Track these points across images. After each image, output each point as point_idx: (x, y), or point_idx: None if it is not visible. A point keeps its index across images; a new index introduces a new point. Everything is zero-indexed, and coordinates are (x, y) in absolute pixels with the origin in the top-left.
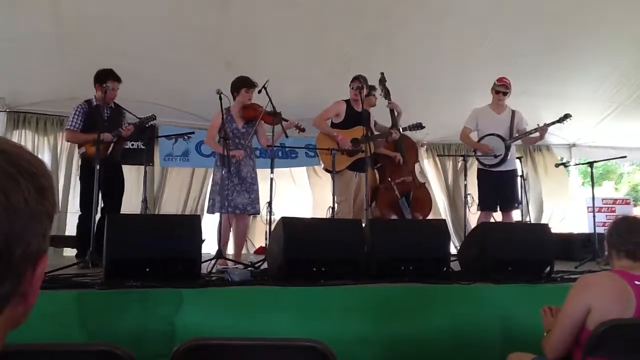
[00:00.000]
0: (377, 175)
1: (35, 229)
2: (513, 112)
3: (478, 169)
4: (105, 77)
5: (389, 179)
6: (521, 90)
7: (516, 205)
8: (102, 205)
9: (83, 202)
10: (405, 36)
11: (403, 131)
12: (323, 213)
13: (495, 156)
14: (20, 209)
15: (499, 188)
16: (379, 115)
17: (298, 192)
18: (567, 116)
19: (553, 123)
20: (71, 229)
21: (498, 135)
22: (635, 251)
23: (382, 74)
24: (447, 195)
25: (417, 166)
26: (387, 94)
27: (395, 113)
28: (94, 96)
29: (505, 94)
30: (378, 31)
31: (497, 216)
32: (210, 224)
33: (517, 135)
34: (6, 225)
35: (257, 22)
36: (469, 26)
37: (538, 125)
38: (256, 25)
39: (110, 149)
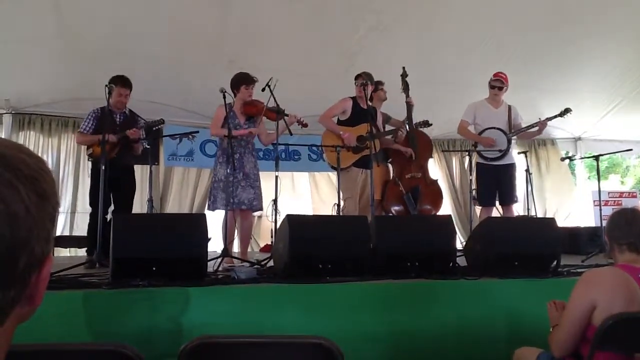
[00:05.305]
0: (391, 170)
1: (39, 235)
2: (509, 107)
3: (477, 163)
4: (112, 81)
5: (397, 174)
6: (524, 84)
7: (515, 199)
8: (113, 207)
9: (91, 200)
10: (408, 31)
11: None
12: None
13: (500, 150)
14: (22, 217)
15: (499, 182)
16: (391, 109)
17: (298, 199)
18: (567, 110)
19: (553, 117)
20: (80, 229)
21: (499, 129)
22: (637, 243)
23: (404, 68)
24: (453, 190)
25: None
26: (406, 88)
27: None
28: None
29: (500, 88)
30: (380, 26)
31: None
32: (214, 222)
33: (514, 129)
34: (9, 236)
35: (258, 20)
36: (472, 21)
37: (540, 119)
38: (258, 24)
39: (117, 151)
